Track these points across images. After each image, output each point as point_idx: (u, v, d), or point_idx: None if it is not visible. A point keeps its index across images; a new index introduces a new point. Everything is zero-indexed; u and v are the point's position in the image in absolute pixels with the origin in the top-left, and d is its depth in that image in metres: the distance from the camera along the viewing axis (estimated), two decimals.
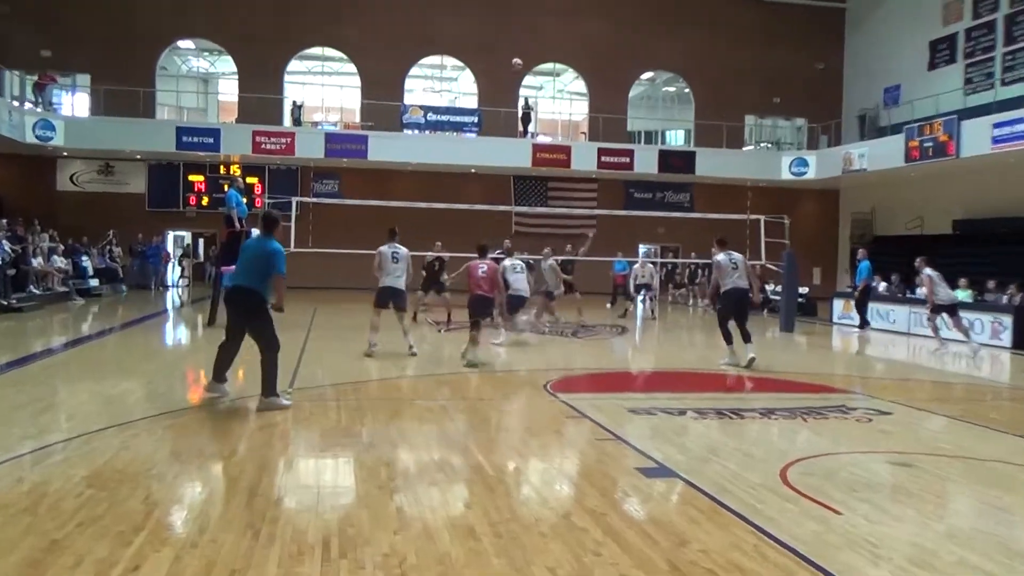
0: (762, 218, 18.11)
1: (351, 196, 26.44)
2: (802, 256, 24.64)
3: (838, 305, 20.45)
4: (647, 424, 7.48)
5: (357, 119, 30.55)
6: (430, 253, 18.00)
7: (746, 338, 11.59)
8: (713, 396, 9.16)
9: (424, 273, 17.82)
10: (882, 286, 21.13)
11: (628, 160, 29.59)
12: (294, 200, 19.45)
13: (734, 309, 11.72)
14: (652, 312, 20.82)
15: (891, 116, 28.36)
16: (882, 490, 5.47)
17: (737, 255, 11.95)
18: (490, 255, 15.22)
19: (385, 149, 27.94)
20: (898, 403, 8.94)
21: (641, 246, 29.62)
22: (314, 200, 24.33)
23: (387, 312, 11.99)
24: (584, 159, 29.33)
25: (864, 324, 17.58)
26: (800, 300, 22.17)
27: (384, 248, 11.95)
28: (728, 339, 11.72)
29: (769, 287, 24.08)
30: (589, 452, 6.39)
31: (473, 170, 30.05)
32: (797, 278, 18.49)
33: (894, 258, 27.04)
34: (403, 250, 11.94)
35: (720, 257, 11.81)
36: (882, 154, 26.38)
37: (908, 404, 8.89)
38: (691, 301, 25.63)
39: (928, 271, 14.03)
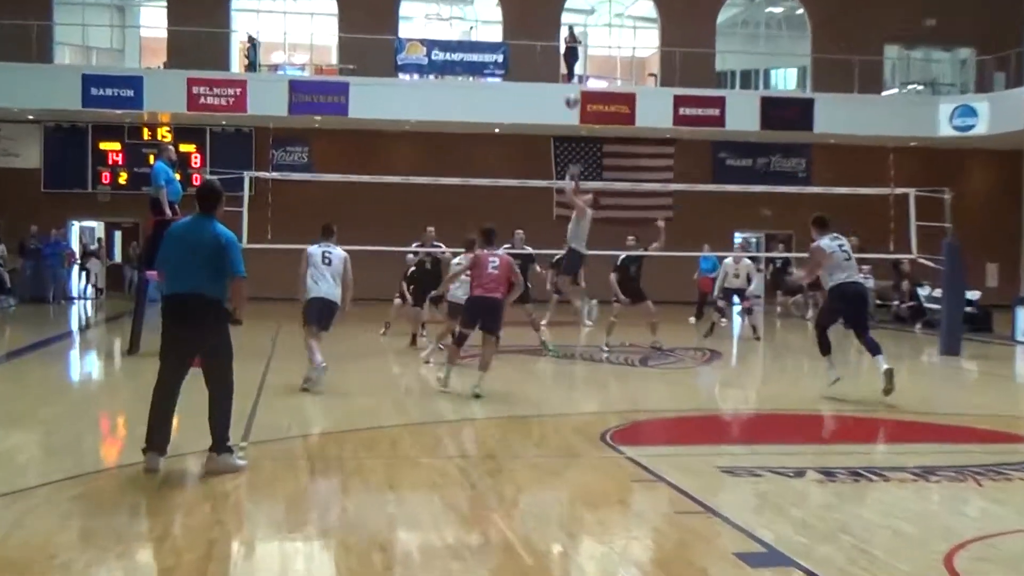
0: (912, 192, 17.97)
1: (325, 169, 26.65)
2: (971, 246, 24.40)
3: (1022, 315, 20.23)
4: (750, 490, 7.44)
5: (333, 60, 30.81)
6: (415, 248, 18.03)
7: (873, 349, 11.73)
8: (845, 449, 9.11)
9: (409, 278, 17.93)
10: None
11: (717, 113, 29.57)
12: (247, 175, 19.64)
13: (849, 311, 11.92)
14: (754, 329, 20.75)
15: None
16: None
17: (846, 241, 12.18)
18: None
19: (372, 102, 28.16)
20: None
21: (737, 235, 29.53)
22: (275, 176, 24.56)
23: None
24: (654, 112, 29.35)
25: None
26: (968, 310, 22.01)
27: (313, 248, 12.42)
28: (826, 348, 12.01)
29: (923, 291, 23.92)
30: (668, 531, 6.36)
31: (497, 130, 30.15)
32: (963, 278, 18.32)
33: None
34: (338, 252, 12.44)
35: (824, 242, 11.98)
36: None
37: None
38: (809, 312, 25.45)
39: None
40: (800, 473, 7.91)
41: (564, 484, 7.63)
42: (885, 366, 11.50)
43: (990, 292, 27.98)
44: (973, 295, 22.92)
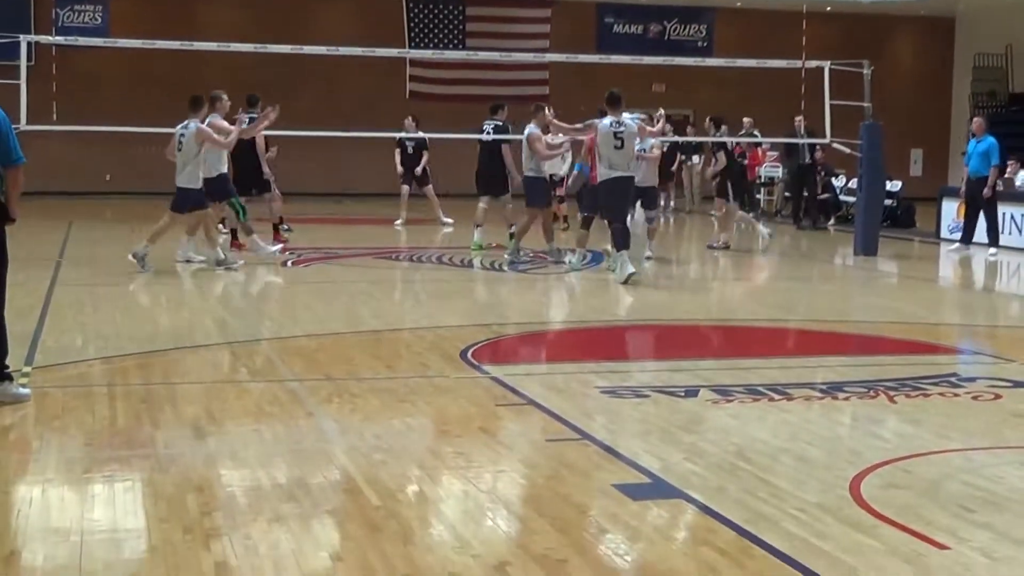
0: (826, 65, 18.31)
1: (126, 33, 25.84)
2: (894, 130, 25.08)
3: (949, 209, 20.97)
4: (633, 412, 7.62)
5: None
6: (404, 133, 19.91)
7: (620, 244, 12.99)
8: (745, 364, 9.39)
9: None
10: (1021, 176, 21.70)
11: None
12: (24, 40, 18.90)
13: (610, 203, 13.30)
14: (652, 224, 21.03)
15: None
16: (1014, 508, 5.71)
17: (631, 122, 13.27)
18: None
19: None
20: None
21: (627, 116, 29.72)
22: (59, 41, 23.72)
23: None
24: None
25: (994, 240, 18.10)
26: (889, 203, 22.73)
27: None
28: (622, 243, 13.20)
29: (838, 182, 24.58)
30: (538, 461, 6.50)
31: None
32: (883, 167, 18.82)
33: None
34: (192, 127, 13.54)
35: (605, 123, 13.19)
36: None
37: None
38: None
39: None
40: (692, 392, 8.14)
41: (417, 410, 7.72)
42: (630, 270, 12.23)
43: (915, 182, 28.93)
44: (894, 186, 23.65)
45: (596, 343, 10.88)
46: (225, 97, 15.77)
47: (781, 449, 6.73)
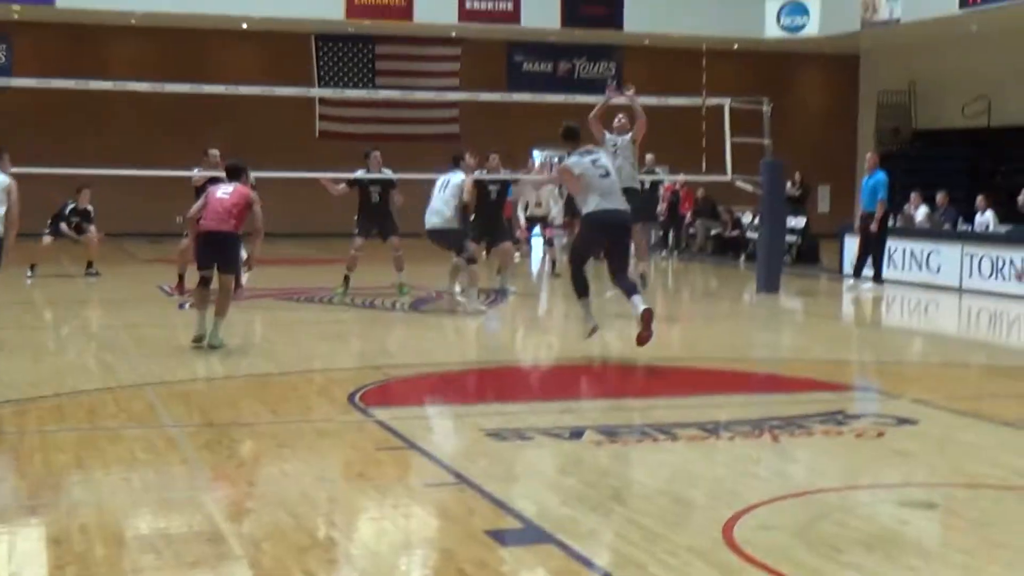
0: (727, 102, 18.49)
1: (30, 72, 25.57)
2: (801, 167, 25.50)
3: (852, 245, 21.24)
4: (515, 455, 7.62)
5: None
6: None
7: (630, 290, 11.37)
8: (633, 404, 9.43)
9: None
10: (920, 212, 22.08)
11: (511, 7, 29.70)
12: None
13: (606, 245, 11.65)
14: (553, 264, 21.13)
15: None
16: (885, 548, 5.73)
17: (603, 156, 11.92)
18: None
19: None
20: (929, 404, 9.41)
21: (536, 153, 29.86)
22: None
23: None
24: (436, 5, 29.29)
25: (877, 275, 18.37)
26: (791, 239, 23.02)
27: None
28: (582, 289, 11.62)
29: (745, 218, 24.87)
30: (411, 508, 6.45)
31: (244, 25, 29.54)
32: (782, 204, 19.05)
33: (943, 164, 28.22)
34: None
35: (572, 160, 11.60)
36: None
37: (945, 406, 9.37)
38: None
39: None
40: (577, 434, 8.13)
41: (296, 456, 7.61)
42: (642, 307, 11.03)
43: (821, 219, 29.30)
44: (798, 222, 23.96)
45: (486, 385, 10.87)
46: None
47: (659, 491, 6.73)
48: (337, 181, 16.80)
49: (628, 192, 13.37)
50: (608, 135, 15.00)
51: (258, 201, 12.16)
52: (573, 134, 12.00)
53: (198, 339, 11.80)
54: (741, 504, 6.41)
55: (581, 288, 11.58)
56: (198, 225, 12.19)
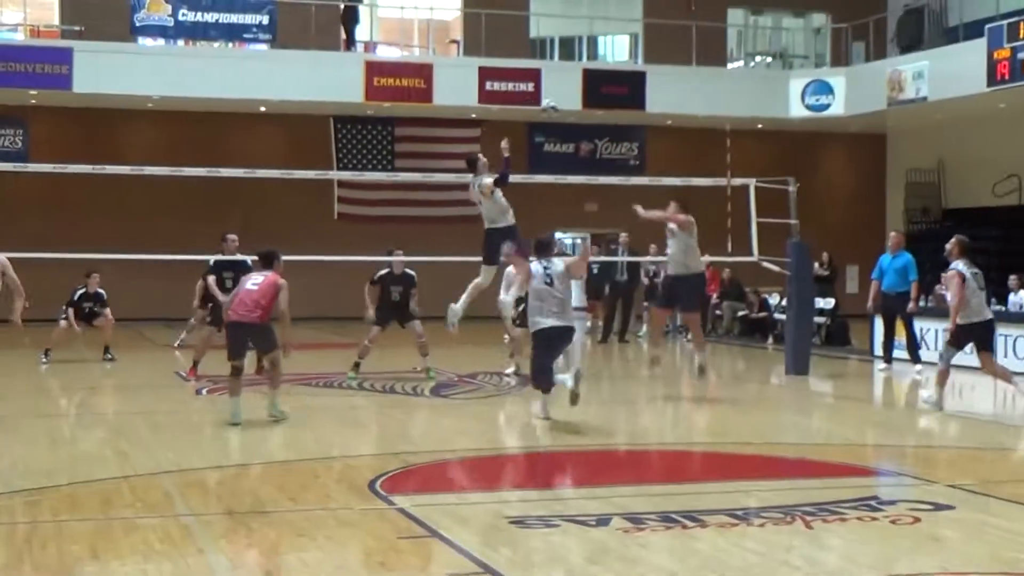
0: (752, 182, 18.46)
1: (46, 157, 25.72)
2: (826, 245, 25.34)
3: (881, 328, 21.05)
4: (539, 544, 7.47)
5: (55, 20, 29.83)
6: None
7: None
8: (660, 490, 9.25)
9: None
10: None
11: (532, 88, 29.86)
12: None
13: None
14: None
15: (963, 10, 29.47)
16: None
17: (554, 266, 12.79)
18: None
19: (104, 73, 27.33)
20: (966, 488, 9.21)
21: (559, 235, 29.91)
22: None
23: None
24: (456, 87, 29.46)
25: (915, 357, 18.09)
26: (820, 320, 22.85)
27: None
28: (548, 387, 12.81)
29: (772, 300, 24.71)
30: None
31: (263, 108, 29.72)
32: (810, 285, 18.91)
33: (974, 243, 27.98)
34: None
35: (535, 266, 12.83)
36: (952, 72, 27.36)
37: (982, 491, 9.17)
38: (643, 330, 26.01)
39: (959, 266, 13.90)
40: (604, 521, 7.97)
41: (316, 545, 7.47)
42: (570, 384, 12.37)
43: (850, 300, 29.06)
44: (826, 303, 23.79)
45: (509, 470, 10.75)
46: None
47: None
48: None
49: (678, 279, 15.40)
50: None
51: (286, 288, 12.35)
52: (543, 246, 13.33)
53: (235, 424, 12.25)
54: None
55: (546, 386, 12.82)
56: (226, 315, 12.78)
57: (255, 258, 14.05)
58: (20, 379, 15.94)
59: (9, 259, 13.40)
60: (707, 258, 23.21)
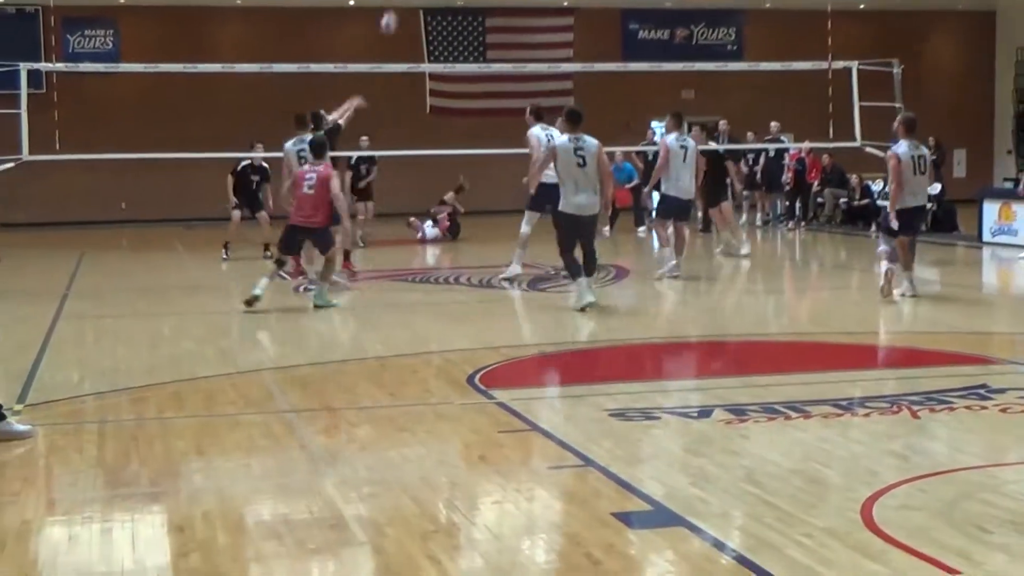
0: (853, 65, 18.18)
1: (138, 57, 26.02)
2: (934, 131, 24.89)
3: (991, 212, 20.73)
4: (643, 436, 7.56)
5: None
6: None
7: (584, 268, 12.91)
8: (763, 381, 9.28)
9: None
10: None
11: None
12: (23, 68, 19.02)
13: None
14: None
15: None
16: None
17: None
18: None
19: None
20: None
21: (654, 124, 29.66)
22: (67, 68, 23.91)
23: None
24: None
25: None
26: (926, 206, 22.48)
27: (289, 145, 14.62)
28: (577, 272, 12.84)
29: (875, 186, 24.39)
30: (535, 491, 6.43)
31: (352, 2, 29.72)
32: None
33: None
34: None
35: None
36: None
37: None
38: (744, 218, 25.77)
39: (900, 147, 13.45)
40: (706, 413, 8.05)
41: (416, 440, 7.64)
42: (588, 299, 12.56)
43: (957, 184, 28.61)
44: (934, 189, 23.40)
45: (610, 363, 10.79)
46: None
47: (793, 471, 6.62)
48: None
49: None
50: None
51: (335, 176, 13.05)
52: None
53: (255, 296, 13.11)
54: (879, 483, 6.30)
55: (575, 271, 12.94)
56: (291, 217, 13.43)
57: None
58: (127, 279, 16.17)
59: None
60: (807, 144, 23.09)
